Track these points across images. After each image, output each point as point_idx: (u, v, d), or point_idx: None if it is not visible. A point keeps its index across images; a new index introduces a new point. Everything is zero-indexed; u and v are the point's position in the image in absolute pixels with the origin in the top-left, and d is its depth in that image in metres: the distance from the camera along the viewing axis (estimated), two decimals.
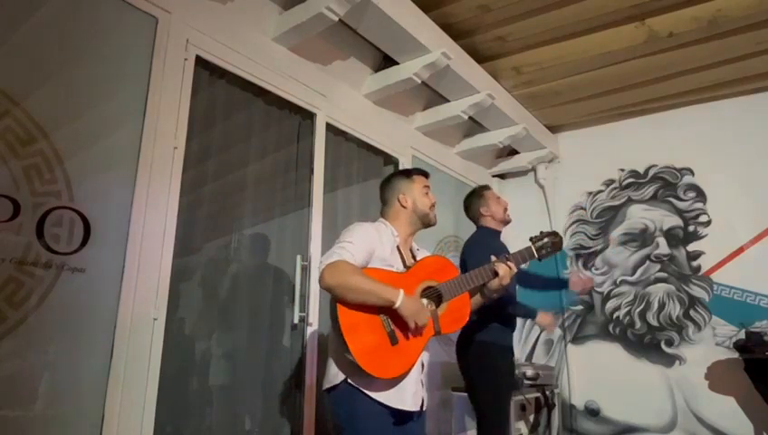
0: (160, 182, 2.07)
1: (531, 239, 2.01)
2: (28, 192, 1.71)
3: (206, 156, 2.41)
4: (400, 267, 1.77)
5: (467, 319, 1.79)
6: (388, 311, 1.61)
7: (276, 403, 2.50)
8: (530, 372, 3.61)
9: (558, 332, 4.21)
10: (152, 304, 1.98)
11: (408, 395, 1.67)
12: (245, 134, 2.62)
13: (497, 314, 2.46)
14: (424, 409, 1.76)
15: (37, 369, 1.69)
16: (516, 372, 3.33)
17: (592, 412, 3.93)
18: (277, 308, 2.59)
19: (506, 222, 2.65)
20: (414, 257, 1.88)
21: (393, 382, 1.64)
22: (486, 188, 2.76)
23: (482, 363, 2.46)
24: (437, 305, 1.72)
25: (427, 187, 1.94)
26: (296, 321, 2.58)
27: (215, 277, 2.43)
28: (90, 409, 1.77)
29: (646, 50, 3.16)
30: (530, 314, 2.73)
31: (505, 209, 2.65)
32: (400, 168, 3.49)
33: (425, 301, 1.70)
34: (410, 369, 1.66)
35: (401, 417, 1.67)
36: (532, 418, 3.98)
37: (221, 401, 2.36)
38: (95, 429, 1.76)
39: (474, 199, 2.70)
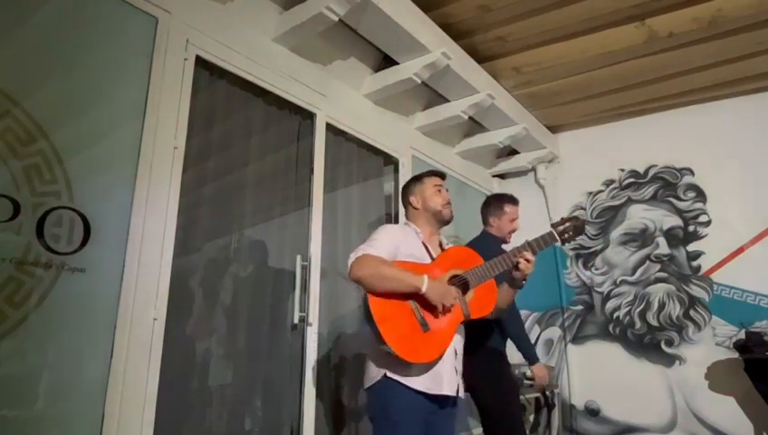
0: (160, 182, 2.06)
1: (552, 225, 2.02)
2: (28, 192, 1.71)
3: (206, 156, 2.40)
4: (427, 260, 1.85)
5: (495, 305, 1.85)
6: (417, 298, 1.70)
7: (276, 403, 2.50)
8: (530, 372, 3.61)
9: (558, 332, 4.21)
10: (152, 304, 1.98)
11: (444, 380, 1.75)
12: (245, 134, 2.62)
13: (495, 323, 2.46)
14: (461, 395, 1.83)
15: (37, 369, 1.69)
16: (516, 372, 3.33)
17: (592, 412, 3.93)
18: (277, 308, 2.58)
19: (505, 241, 2.63)
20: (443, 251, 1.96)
21: (429, 370, 1.72)
22: (513, 202, 2.69)
23: (488, 370, 2.44)
24: (465, 292, 1.79)
25: (439, 186, 2.01)
26: (296, 321, 2.57)
27: (215, 277, 2.43)
28: (90, 409, 1.76)
29: (646, 50, 3.16)
30: (529, 358, 2.61)
31: (512, 232, 2.63)
32: (400, 168, 3.49)
33: (453, 288, 1.76)
34: (444, 353, 1.73)
35: (439, 403, 1.75)
36: (532, 418, 3.98)
37: (221, 401, 2.36)
38: (95, 429, 1.75)
39: (494, 204, 2.70)
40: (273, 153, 2.73)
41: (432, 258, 1.87)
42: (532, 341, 4.29)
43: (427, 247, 1.90)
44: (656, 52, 3.19)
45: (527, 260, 1.82)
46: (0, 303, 1.61)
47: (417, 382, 1.70)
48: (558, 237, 1.94)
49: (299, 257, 2.63)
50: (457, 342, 1.84)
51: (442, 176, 2.07)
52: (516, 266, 1.84)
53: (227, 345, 2.41)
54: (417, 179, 2.07)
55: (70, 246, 1.78)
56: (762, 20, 2.85)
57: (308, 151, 2.83)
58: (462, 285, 1.79)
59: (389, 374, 1.71)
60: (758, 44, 3.09)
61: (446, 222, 2.00)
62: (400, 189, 2.16)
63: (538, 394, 3.81)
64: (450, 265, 1.82)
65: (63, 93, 1.84)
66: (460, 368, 1.86)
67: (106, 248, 1.87)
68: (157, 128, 2.07)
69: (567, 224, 1.97)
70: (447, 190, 2.05)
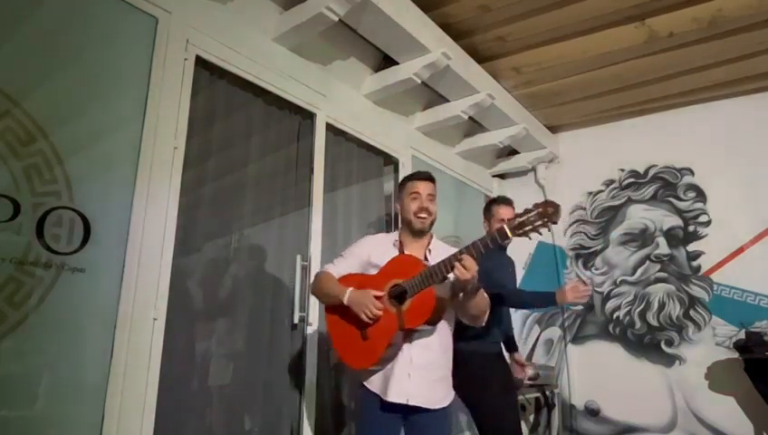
0: (160, 182, 2.06)
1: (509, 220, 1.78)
2: (28, 192, 1.71)
3: (206, 156, 2.40)
4: None
5: (431, 314, 1.75)
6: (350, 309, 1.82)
7: (276, 403, 2.50)
8: (530, 372, 3.61)
9: (558, 332, 4.21)
10: (152, 304, 1.98)
11: (391, 386, 1.79)
12: (245, 134, 2.62)
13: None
14: (418, 403, 1.79)
15: (37, 369, 1.69)
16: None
17: (592, 412, 3.93)
18: (277, 308, 2.58)
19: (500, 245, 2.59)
20: (426, 259, 1.93)
21: (381, 374, 1.85)
22: (502, 203, 2.63)
23: (468, 375, 2.39)
24: (403, 301, 1.78)
25: (416, 192, 1.98)
26: (296, 321, 2.57)
27: (215, 277, 2.43)
28: (90, 409, 1.76)
29: (646, 50, 3.16)
30: (548, 300, 2.42)
31: None
32: (400, 168, 3.49)
33: (372, 298, 1.79)
34: (379, 359, 1.81)
35: (394, 409, 1.81)
36: (532, 418, 3.98)
37: (221, 401, 2.36)
38: (95, 429, 1.76)
39: (486, 207, 2.72)
40: (273, 153, 2.73)
41: None
42: (533, 341, 4.31)
43: None
44: (656, 52, 3.19)
45: (464, 266, 1.63)
46: (0, 303, 1.61)
47: (371, 384, 1.88)
48: (509, 232, 1.65)
49: (299, 257, 2.63)
50: (419, 349, 1.83)
51: (426, 178, 2.01)
52: (452, 270, 1.67)
53: (227, 345, 2.41)
54: (401, 184, 2.07)
55: (70, 246, 1.77)
56: (762, 20, 2.85)
57: (308, 151, 2.83)
58: (400, 293, 1.78)
59: (362, 379, 1.91)
60: (758, 44, 3.09)
61: (417, 232, 1.95)
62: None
63: (538, 394, 3.81)
64: (393, 275, 1.83)
65: (63, 93, 1.84)
66: (426, 379, 1.82)
67: (106, 248, 1.87)
68: (157, 128, 2.07)
69: (524, 217, 1.66)
70: (433, 195, 1.98)
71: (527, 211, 1.66)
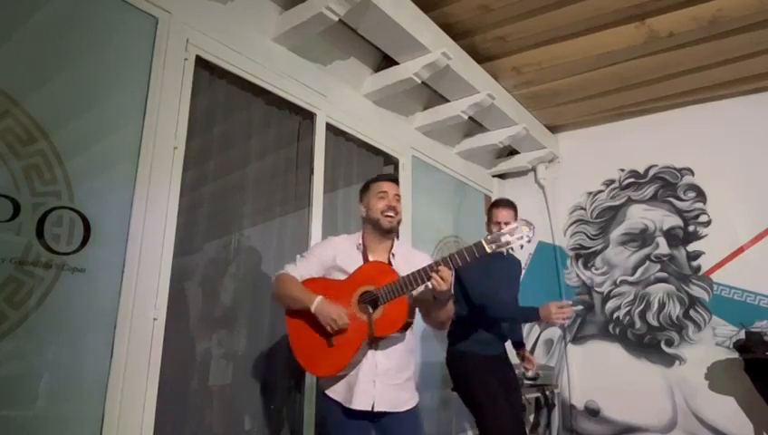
0: (160, 182, 2.06)
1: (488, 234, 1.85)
2: (28, 192, 1.71)
3: (206, 156, 2.41)
4: None
5: (404, 322, 1.76)
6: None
7: (276, 403, 2.50)
8: (530, 372, 3.61)
9: (558, 332, 4.21)
10: (152, 304, 1.98)
11: (356, 394, 1.74)
12: (245, 134, 2.62)
13: (477, 323, 2.45)
14: (378, 409, 1.75)
15: (37, 369, 1.69)
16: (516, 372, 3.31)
17: (592, 412, 3.93)
18: (277, 308, 2.58)
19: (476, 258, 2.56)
20: (389, 262, 1.89)
21: (344, 381, 1.79)
22: (495, 205, 2.60)
23: (463, 375, 2.45)
24: (374, 309, 1.75)
25: (384, 192, 1.92)
26: None
27: (215, 277, 2.43)
28: (90, 409, 1.77)
29: (646, 50, 3.16)
30: (531, 316, 2.45)
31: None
32: (400, 168, 3.49)
33: (343, 309, 1.74)
34: (345, 367, 1.75)
35: (359, 414, 1.75)
36: (532, 418, 3.98)
37: (221, 401, 2.36)
38: (95, 429, 1.76)
39: (489, 211, 2.64)
40: (273, 153, 2.73)
41: None
42: (533, 341, 4.30)
43: (366, 259, 1.87)
44: (656, 52, 3.19)
45: (441, 277, 1.65)
46: (0, 303, 1.61)
47: (333, 392, 1.81)
48: (485, 246, 1.69)
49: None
50: (384, 354, 1.79)
51: (392, 179, 1.98)
52: (430, 281, 1.70)
53: (227, 345, 2.41)
54: (364, 186, 2.00)
55: (70, 246, 1.78)
56: (761, 20, 2.85)
57: (308, 151, 2.83)
58: (371, 301, 1.76)
59: (321, 385, 1.85)
60: (758, 44, 3.09)
61: (386, 231, 1.89)
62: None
63: (538, 394, 3.81)
64: (363, 282, 1.79)
65: (63, 93, 1.84)
66: (393, 384, 1.80)
67: (106, 248, 1.87)
68: (157, 128, 2.07)
69: (505, 234, 1.71)
70: (399, 196, 1.94)
71: (507, 226, 1.76)
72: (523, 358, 2.79)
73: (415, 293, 1.79)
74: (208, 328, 2.36)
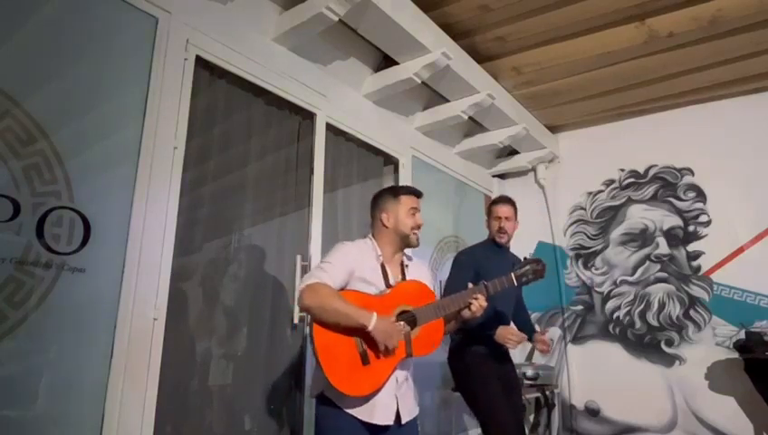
0: (160, 182, 2.06)
1: (513, 266, 2.05)
2: (28, 192, 1.71)
3: (206, 156, 2.41)
4: (381, 286, 1.79)
5: (440, 344, 1.81)
6: (362, 332, 1.65)
7: (276, 403, 2.50)
8: (530, 372, 3.61)
9: (558, 332, 4.21)
10: (152, 304, 1.98)
11: (377, 409, 1.68)
12: (245, 134, 2.62)
13: (478, 321, 2.45)
14: (402, 422, 1.74)
15: (37, 369, 1.69)
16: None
17: (592, 412, 3.93)
18: (277, 308, 2.59)
19: (495, 241, 2.53)
20: (403, 273, 1.89)
21: (364, 398, 1.68)
22: (501, 202, 2.59)
23: (464, 372, 2.45)
24: (412, 329, 1.75)
25: (415, 208, 1.89)
26: (296, 321, 2.58)
27: (215, 277, 2.43)
28: (90, 409, 1.77)
29: (646, 50, 3.16)
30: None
31: (499, 231, 2.50)
32: (400, 168, 3.49)
33: (401, 324, 1.73)
34: (380, 388, 1.69)
35: (373, 429, 1.69)
36: (532, 418, 3.98)
37: (221, 401, 2.36)
38: (95, 429, 1.76)
39: (488, 208, 2.64)
40: (273, 153, 2.73)
41: (388, 284, 1.80)
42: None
43: (385, 270, 1.82)
44: (656, 52, 3.19)
45: (480, 305, 1.81)
46: (0, 303, 1.61)
47: (350, 409, 1.68)
48: (515, 280, 1.96)
49: (299, 257, 2.63)
50: (400, 372, 1.77)
51: (419, 195, 1.95)
52: (468, 307, 1.82)
53: (227, 345, 2.41)
54: (393, 195, 1.91)
55: (70, 246, 1.78)
56: (761, 20, 2.85)
57: (308, 151, 2.83)
58: (410, 321, 1.75)
59: (326, 394, 1.69)
60: (758, 44, 3.09)
61: (410, 247, 1.90)
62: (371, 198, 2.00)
63: (538, 394, 3.81)
64: (403, 300, 1.77)
65: (63, 93, 1.84)
66: (408, 393, 1.80)
67: (106, 248, 1.87)
68: (157, 128, 2.07)
69: (527, 267, 2.00)
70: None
71: (526, 262, 2.04)
72: (537, 341, 2.76)
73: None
74: (208, 328, 2.36)
